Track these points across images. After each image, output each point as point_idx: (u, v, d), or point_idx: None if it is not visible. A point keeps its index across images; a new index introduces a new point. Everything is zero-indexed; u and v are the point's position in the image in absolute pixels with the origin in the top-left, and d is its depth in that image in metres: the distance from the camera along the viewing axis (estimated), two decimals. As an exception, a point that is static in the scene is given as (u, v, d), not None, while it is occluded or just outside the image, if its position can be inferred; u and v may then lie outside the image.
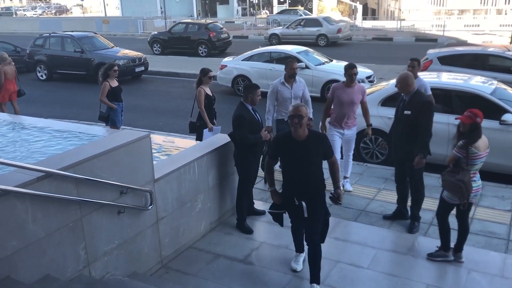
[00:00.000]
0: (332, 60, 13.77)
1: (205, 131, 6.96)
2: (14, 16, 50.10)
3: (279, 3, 47.14)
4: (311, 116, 5.96)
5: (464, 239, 4.65)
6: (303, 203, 4.14)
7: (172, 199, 4.78)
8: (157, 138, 7.54)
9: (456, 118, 4.43)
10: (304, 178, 4.15)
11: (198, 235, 5.28)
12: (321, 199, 4.21)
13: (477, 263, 4.67)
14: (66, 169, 3.58)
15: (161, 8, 36.14)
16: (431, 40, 24.35)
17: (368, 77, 12.57)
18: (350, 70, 5.99)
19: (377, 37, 26.84)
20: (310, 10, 44.82)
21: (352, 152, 6.50)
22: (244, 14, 44.81)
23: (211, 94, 7.23)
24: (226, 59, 14.50)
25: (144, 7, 43.51)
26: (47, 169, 3.46)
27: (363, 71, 12.84)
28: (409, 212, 5.51)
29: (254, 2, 45.11)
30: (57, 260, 3.67)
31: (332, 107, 6.27)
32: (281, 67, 12.79)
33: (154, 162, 4.61)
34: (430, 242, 5.01)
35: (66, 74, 16.59)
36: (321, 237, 4.34)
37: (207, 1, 48.45)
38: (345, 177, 6.47)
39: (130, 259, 4.39)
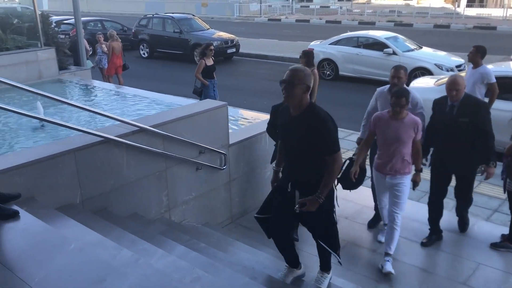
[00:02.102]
0: (421, 47, 13.50)
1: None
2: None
3: (378, -12, 45.74)
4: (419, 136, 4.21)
5: None
6: (297, 193, 3.31)
7: (244, 163, 5.37)
8: (237, 112, 8.19)
9: None
10: (294, 164, 3.39)
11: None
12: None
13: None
14: (155, 126, 4.30)
15: (258, -8, 36.98)
16: (541, 30, 22.50)
17: (458, 66, 12.21)
18: (396, 100, 3.99)
19: (479, 25, 25.31)
20: (410, -3, 43.05)
21: (400, 214, 4.31)
22: (340, 0, 44.25)
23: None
24: (313, 42, 14.82)
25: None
26: (141, 125, 4.19)
27: (453, 59, 12.50)
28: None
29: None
30: (144, 202, 4.42)
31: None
32: (368, 53, 13.19)
33: (230, 131, 5.22)
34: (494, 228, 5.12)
35: (165, 52, 17.93)
36: (328, 243, 3.53)
37: (303, -14, 48.45)
38: (386, 254, 4.38)
39: (204, 211, 5.06)
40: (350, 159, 4.51)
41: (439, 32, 23.99)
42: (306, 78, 3.11)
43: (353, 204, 5.63)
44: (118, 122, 4.27)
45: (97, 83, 9.24)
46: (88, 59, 11.24)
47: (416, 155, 4.24)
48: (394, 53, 12.58)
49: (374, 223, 5.20)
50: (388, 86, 4.62)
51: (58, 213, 3.42)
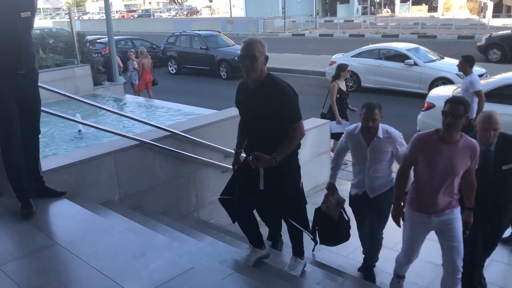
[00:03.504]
0: (443, 58, 13.68)
1: (333, 123, 7.08)
2: (152, 17, 55.66)
3: (402, 1, 45.91)
4: None
5: None
6: (261, 171, 3.19)
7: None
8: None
9: None
10: (256, 139, 3.28)
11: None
12: (282, 173, 3.19)
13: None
14: (185, 132, 4.73)
15: (282, 8, 37.63)
16: None
17: (479, 76, 12.31)
18: (452, 107, 3.06)
19: (505, 35, 25.13)
20: (435, 9, 43.03)
21: (461, 260, 3.31)
22: (364, 13, 44.56)
23: (344, 89, 7.30)
24: (335, 55, 15.17)
25: (266, 8, 45.54)
26: (172, 130, 4.63)
27: (475, 69, 12.61)
28: None
29: (375, 1, 44.60)
30: (175, 201, 4.83)
31: (412, 175, 3.44)
32: (390, 64, 13.47)
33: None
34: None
35: (193, 68, 18.58)
36: (298, 220, 3.41)
37: (327, 1, 49.01)
38: None
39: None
40: (318, 209, 4.14)
41: (463, 43, 23.97)
42: (264, 49, 3.12)
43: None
44: (152, 128, 4.72)
45: (129, 97, 9.82)
46: (121, 75, 11.90)
47: (470, 189, 3.33)
48: (415, 64, 12.81)
49: (367, 272, 4.25)
50: (359, 125, 3.76)
51: (100, 206, 3.87)
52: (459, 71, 7.08)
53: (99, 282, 2.46)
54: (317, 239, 4.12)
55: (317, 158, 6.45)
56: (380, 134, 3.69)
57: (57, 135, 6.75)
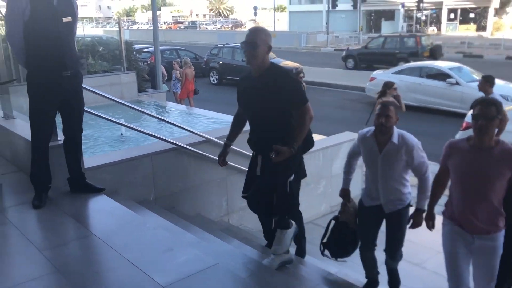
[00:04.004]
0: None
1: None
2: (198, 29, 57.01)
3: (449, 20, 45.06)
4: None
5: None
6: (259, 159, 3.28)
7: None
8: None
9: None
10: (259, 129, 3.27)
11: (319, 214, 6.24)
12: (280, 163, 3.07)
13: None
14: (219, 138, 4.91)
15: (326, 24, 37.77)
16: None
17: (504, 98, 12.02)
18: (482, 109, 2.78)
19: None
20: (484, 28, 42.00)
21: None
22: (409, 31, 43.98)
23: None
24: (376, 72, 15.12)
25: (311, 23, 45.79)
26: (207, 136, 4.84)
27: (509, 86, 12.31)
28: None
29: (421, 18, 43.99)
30: (206, 204, 5.01)
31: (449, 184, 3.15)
32: (431, 82, 13.31)
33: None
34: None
35: (233, 80, 18.92)
36: (279, 209, 3.33)
37: (372, 17, 48.75)
38: None
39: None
40: (336, 218, 3.93)
41: (511, 63, 23.30)
42: (268, 38, 3.13)
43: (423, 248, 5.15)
44: (189, 134, 4.94)
45: (171, 104, 10.17)
46: (164, 83, 12.33)
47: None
48: (457, 83, 12.61)
49: None
50: (372, 128, 3.51)
51: (136, 204, 4.09)
52: (480, 90, 6.99)
53: (129, 272, 2.64)
54: (325, 251, 3.91)
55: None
56: (394, 139, 3.37)
57: (101, 138, 7.11)
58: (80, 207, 3.56)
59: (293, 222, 3.55)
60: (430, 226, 3.24)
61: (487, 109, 2.76)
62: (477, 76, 13.29)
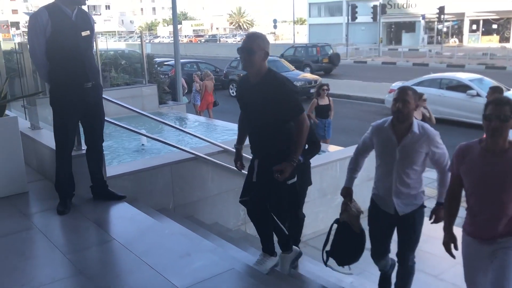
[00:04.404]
0: (509, 90, 13.23)
1: None
2: (218, 42, 57.74)
3: (471, 31, 44.63)
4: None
5: None
6: (255, 162, 3.27)
7: (314, 189, 5.89)
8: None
9: None
10: (256, 135, 3.26)
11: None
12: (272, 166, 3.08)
13: None
14: (237, 148, 5.02)
15: (345, 36, 37.84)
16: None
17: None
18: (495, 109, 2.58)
19: None
20: (507, 39, 41.42)
21: None
22: (430, 42, 43.73)
23: (419, 118, 7.23)
24: (395, 83, 15.09)
25: (330, 35, 45.97)
26: (225, 146, 4.95)
27: None
28: None
29: (442, 30, 43.70)
30: (224, 213, 5.11)
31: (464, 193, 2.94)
32: (451, 94, 13.23)
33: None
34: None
35: (253, 92, 19.13)
36: (276, 211, 3.36)
37: (392, 29, 48.64)
38: None
39: (276, 228, 5.64)
40: (338, 221, 3.62)
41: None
42: (265, 45, 3.08)
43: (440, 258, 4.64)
44: (207, 144, 5.06)
45: (191, 116, 10.36)
46: (184, 95, 12.56)
47: None
48: (478, 94, 12.50)
49: None
50: (389, 118, 3.28)
51: (155, 212, 4.21)
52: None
53: (148, 275, 2.75)
54: (328, 260, 3.64)
55: (366, 183, 6.50)
56: (415, 129, 3.14)
57: (121, 149, 7.31)
58: (102, 214, 3.70)
59: (296, 247, 3.60)
60: (450, 249, 2.90)
61: (501, 109, 2.56)
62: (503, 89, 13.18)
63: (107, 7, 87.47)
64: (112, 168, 4.46)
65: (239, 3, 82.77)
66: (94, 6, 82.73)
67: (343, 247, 3.53)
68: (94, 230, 3.42)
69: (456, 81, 13.51)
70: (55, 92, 3.62)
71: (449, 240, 2.89)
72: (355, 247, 3.53)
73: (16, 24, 75.97)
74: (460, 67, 25.55)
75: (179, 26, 13.69)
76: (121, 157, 6.70)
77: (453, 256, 2.90)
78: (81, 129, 3.88)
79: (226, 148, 4.93)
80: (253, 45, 3.02)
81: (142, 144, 7.22)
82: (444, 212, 3.01)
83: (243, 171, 3.65)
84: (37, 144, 4.54)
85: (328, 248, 3.65)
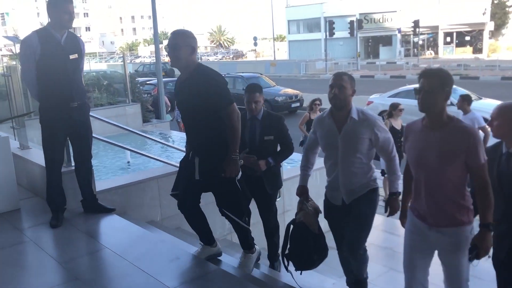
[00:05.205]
0: (481, 98, 13.78)
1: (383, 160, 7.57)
2: (200, 60, 58.08)
3: (445, 43, 45.92)
4: None
5: None
6: (196, 160, 3.22)
7: (296, 197, 6.14)
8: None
9: None
10: (192, 130, 3.30)
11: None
12: (217, 165, 3.16)
13: None
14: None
15: (324, 51, 38.63)
16: None
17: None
18: (424, 79, 2.58)
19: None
20: (480, 51, 42.76)
21: None
22: (407, 55, 44.83)
23: (398, 128, 7.58)
24: (373, 96, 15.58)
25: (309, 51, 46.83)
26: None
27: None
28: None
29: (418, 43, 44.89)
30: (210, 223, 5.26)
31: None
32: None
33: (289, 167, 6.09)
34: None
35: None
36: (231, 211, 3.41)
37: (369, 43, 49.74)
38: None
39: (261, 236, 5.84)
40: (294, 222, 3.47)
41: (506, 84, 23.76)
42: (190, 40, 3.11)
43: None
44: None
45: (174, 132, 10.57)
46: (168, 113, 12.78)
47: (483, 196, 2.48)
48: (451, 104, 12.96)
49: None
50: (327, 110, 3.26)
51: (144, 223, 4.40)
52: (458, 109, 7.40)
53: (140, 277, 2.95)
54: (286, 263, 3.49)
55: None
56: (354, 114, 3.08)
57: (109, 166, 7.48)
58: (93, 225, 3.88)
59: (257, 247, 3.69)
60: (404, 223, 2.88)
61: (428, 81, 2.51)
62: (472, 97, 13.70)
63: (87, 28, 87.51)
64: (101, 183, 4.65)
65: (220, 22, 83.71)
66: (74, 28, 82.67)
67: (300, 250, 3.35)
68: (86, 240, 3.61)
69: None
70: (43, 111, 3.83)
71: (403, 217, 2.89)
72: (313, 249, 3.32)
73: (-6, 48, 75.55)
74: (436, 78, 26.29)
75: (160, 46, 13.97)
76: (107, 175, 6.87)
77: (403, 225, 2.87)
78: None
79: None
80: (178, 41, 3.06)
81: (128, 162, 7.41)
82: (403, 192, 2.92)
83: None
84: (27, 162, 4.70)
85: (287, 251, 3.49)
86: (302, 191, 3.47)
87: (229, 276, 3.08)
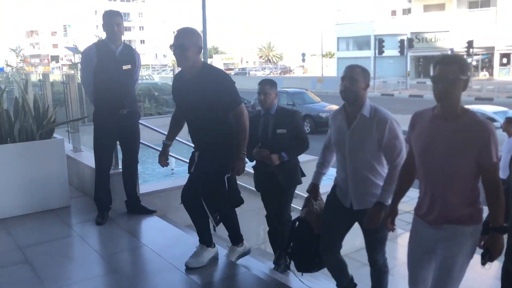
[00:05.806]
0: (534, 122, 13.27)
1: None
2: (247, 75, 59.06)
3: (501, 64, 44.36)
4: None
5: None
6: (196, 155, 3.30)
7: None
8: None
9: None
10: (197, 130, 3.24)
11: (354, 248, 6.52)
12: (214, 159, 3.17)
13: None
14: (258, 171, 5.43)
15: (373, 69, 38.30)
16: None
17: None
18: (441, 69, 2.32)
19: None
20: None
21: None
22: (459, 76, 43.51)
23: None
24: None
25: (358, 68, 46.39)
26: (247, 169, 5.36)
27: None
28: None
29: (471, 63, 43.58)
30: (245, 232, 5.41)
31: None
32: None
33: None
34: None
35: (279, 123, 19.61)
36: (209, 203, 3.32)
37: (420, 63, 48.82)
38: None
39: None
40: (299, 218, 3.37)
41: None
42: (197, 39, 3.07)
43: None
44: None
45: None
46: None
47: (494, 197, 2.29)
48: (497, 126, 12.61)
49: None
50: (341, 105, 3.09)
51: (182, 226, 4.63)
52: (503, 131, 7.22)
53: (174, 274, 3.17)
54: (288, 262, 3.47)
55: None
56: (365, 111, 2.87)
57: (154, 172, 7.86)
58: (135, 225, 4.15)
59: (246, 244, 3.67)
60: (389, 223, 2.70)
61: (448, 69, 2.27)
62: (524, 120, 13.25)
63: (142, 41, 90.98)
64: (145, 186, 4.94)
65: (269, 38, 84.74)
66: (129, 41, 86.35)
67: (301, 249, 3.28)
68: (127, 238, 3.87)
69: (480, 113, 13.63)
70: (96, 116, 4.16)
71: (389, 215, 2.70)
72: (315, 251, 3.19)
73: (55, 58, 79.95)
74: (489, 100, 25.49)
75: (210, 60, 14.45)
76: (151, 179, 7.21)
77: (387, 226, 2.71)
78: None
79: (248, 171, 5.34)
80: (185, 41, 3.00)
81: (172, 169, 7.74)
82: (396, 187, 2.71)
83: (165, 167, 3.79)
84: (78, 164, 5.07)
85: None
86: (312, 189, 3.29)
87: (257, 279, 3.22)
